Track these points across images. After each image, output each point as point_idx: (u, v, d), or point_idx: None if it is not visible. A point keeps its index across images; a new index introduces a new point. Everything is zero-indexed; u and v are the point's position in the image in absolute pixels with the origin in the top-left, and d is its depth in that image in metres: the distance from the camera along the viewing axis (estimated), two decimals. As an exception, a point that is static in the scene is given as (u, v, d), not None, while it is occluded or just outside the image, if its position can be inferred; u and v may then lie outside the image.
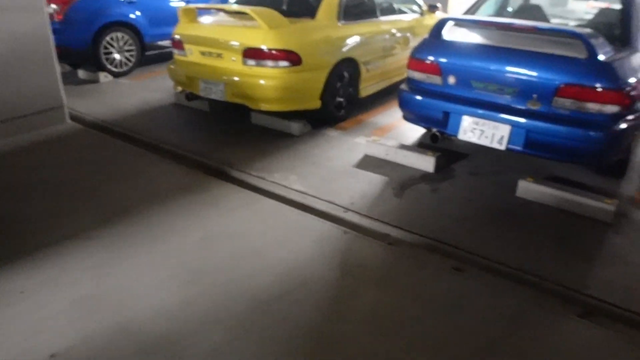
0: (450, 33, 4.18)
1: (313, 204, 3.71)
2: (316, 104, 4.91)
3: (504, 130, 3.69)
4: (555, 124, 3.51)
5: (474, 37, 4.24)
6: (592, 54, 3.40)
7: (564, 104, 3.49)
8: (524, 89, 3.60)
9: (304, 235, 3.27)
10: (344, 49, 5.07)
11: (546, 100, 3.55)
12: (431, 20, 6.55)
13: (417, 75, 4.13)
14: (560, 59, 3.52)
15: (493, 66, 3.68)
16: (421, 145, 4.64)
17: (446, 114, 3.94)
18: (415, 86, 4.19)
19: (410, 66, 4.18)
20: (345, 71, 5.16)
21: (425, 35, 4.27)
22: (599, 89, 3.37)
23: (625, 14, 4.01)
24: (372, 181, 4.04)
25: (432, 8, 6.57)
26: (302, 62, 4.62)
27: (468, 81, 3.82)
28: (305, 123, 5.02)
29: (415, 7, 6.62)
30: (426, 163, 4.20)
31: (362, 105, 5.77)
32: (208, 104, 5.63)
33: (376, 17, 5.68)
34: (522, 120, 3.62)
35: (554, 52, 3.59)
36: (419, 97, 4.09)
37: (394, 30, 5.87)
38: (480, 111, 3.77)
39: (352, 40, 5.17)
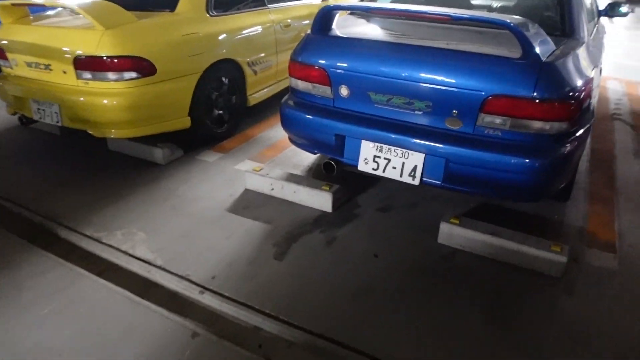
0: (340, 26, 3.05)
1: (160, 280, 2.53)
2: (184, 122, 3.68)
3: (417, 159, 2.62)
4: (483, 149, 2.46)
5: (372, 31, 3.12)
6: (528, 51, 2.35)
7: (493, 122, 2.44)
8: (440, 103, 2.52)
9: (132, 348, 2.09)
10: (219, 49, 3.84)
11: (469, 118, 2.49)
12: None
13: (300, 84, 2.98)
14: (485, 60, 2.46)
15: (396, 71, 2.58)
16: (319, 173, 3.51)
17: (340, 138, 2.82)
18: (299, 99, 3.04)
19: (291, 72, 3.02)
20: (224, 76, 3.94)
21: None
22: (541, 101, 2.33)
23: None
24: (249, 234, 2.88)
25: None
26: (157, 71, 3.37)
27: (365, 93, 2.70)
28: (174, 147, 3.78)
29: (316, -10, 5.46)
30: (321, 200, 3.08)
31: (253, 116, 4.57)
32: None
33: (263, 4, 4.45)
34: (439, 145, 2.55)
35: (477, 51, 2.53)
36: (303, 115, 2.94)
37: (289, 20, 4.68)
38: (383, 134, 2.66)
39: (230, 37, 3.95)
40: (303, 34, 4.68)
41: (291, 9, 4.81)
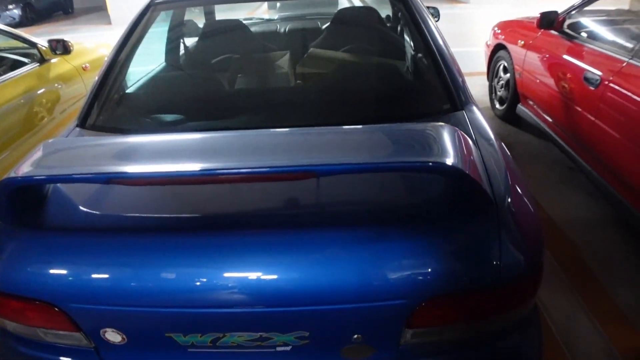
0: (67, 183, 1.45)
1: None
2: None
3: None
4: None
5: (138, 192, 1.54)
6: (476, 204, 1.14)
7: (430, 336, 1.21)
8: (325, 330, 1.17)
9: None
10: None
11: (386, 339, 1.19)
12: (64, 66, 3.60)
13: (15, 328, 1.34)
14: (396, 236, 1.15)
15: (211, 290, 1.13)
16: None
17: None
18: (22, 352, 1.40)
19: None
20: None
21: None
22: (508, 282, 1.14)
23: (421, 29, 1.85)
24: None
25: (60, 45, 3.53)
26: None
27: (160, 335, 1.22)
28: None
29: (29, 52, 3.55)
30: None
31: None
32: None
33: None
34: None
35: (367, 221, 1.21)
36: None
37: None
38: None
39: None
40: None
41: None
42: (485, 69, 4.79)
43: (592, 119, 2.76)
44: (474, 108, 1.69)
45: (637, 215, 2.48)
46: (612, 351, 2.05)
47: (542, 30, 3.59)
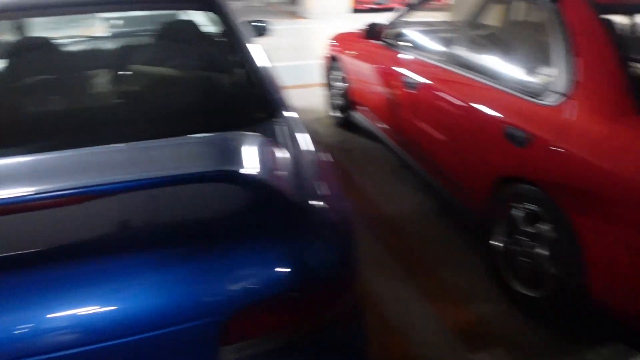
0: None
1: None
2: None
3: None
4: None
5: None
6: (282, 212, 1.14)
7: (248, 350, 1.17)
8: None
9: None
10: None
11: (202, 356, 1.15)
12: None
13: None
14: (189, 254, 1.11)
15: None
16: None
17: None
18: None
19: None
20: None
21: None
22: (324, 282, 1.17)
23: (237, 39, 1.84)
24: None
25: None
26: None
27: None
28: None
29: None
30: None
31: None
32: None
33: None
34: None
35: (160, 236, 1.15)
36: None
37: None
38: None
39: None
40: None
41: None
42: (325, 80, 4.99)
43: (412, 119, 3.01)
44: (290, 115, 1.72)
45: (456, 203, 2.75)
46: (443, 327, 2.22)
47: (369, 40, 3.82)
